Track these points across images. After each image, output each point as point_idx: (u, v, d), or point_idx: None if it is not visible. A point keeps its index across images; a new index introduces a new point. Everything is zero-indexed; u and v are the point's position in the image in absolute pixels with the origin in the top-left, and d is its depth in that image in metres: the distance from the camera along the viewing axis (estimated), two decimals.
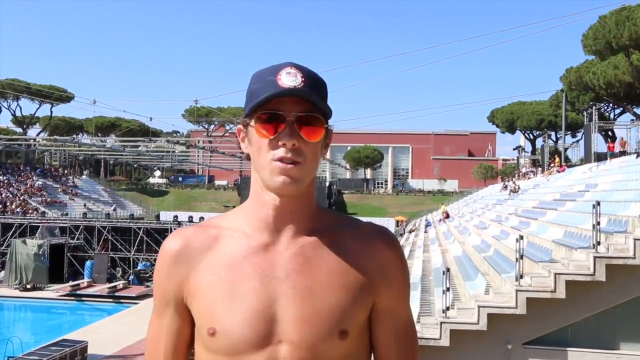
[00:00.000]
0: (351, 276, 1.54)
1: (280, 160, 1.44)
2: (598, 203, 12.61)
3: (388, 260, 1.60)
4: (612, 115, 56.06)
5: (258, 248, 1.54)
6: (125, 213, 62.18)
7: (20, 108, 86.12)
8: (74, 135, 78.68)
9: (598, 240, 12.21)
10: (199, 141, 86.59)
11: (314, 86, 1.47)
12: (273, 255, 1.53)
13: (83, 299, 34.98)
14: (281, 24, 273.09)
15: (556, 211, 20.49)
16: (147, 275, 37.87)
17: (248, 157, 1.55)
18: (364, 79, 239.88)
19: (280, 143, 1.44)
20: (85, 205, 61.95)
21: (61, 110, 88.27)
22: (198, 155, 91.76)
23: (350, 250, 1.57)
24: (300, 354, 1.46)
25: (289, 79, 1.43)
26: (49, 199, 59.08)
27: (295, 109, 1.45)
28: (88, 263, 39.44)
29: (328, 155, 75.22)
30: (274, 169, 1.45)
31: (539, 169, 49.48)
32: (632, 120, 46.18)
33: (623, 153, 33.95)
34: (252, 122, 1.49)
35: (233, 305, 1.48)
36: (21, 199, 55.87)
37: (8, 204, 53.57)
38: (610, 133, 52.11)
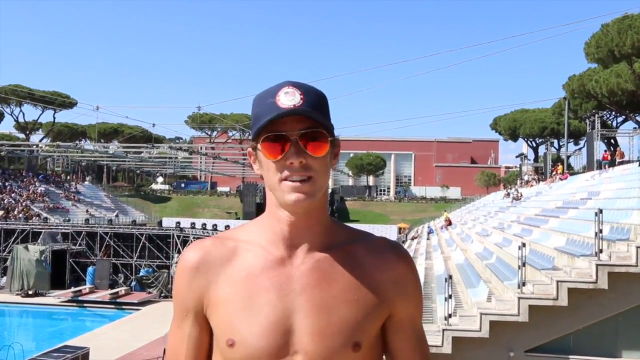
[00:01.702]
0: (365, 290, 1.58)
1: (290, 178, 1.48)
2: (600, 211, 12.61)
3: (403, 274, 1.64)
4: (614, 123, 56.07)
5: (275, 262, 1.58)
6: (127, 219, 62.21)
7: (23, 114, 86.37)
8: (77, 142, 78.63)
9: (600, 248, 12.21)
10: (201, 148, 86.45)
11: (314, 102, 1.50)
12: (289, 269, 1.57)
13: (85, 305, 35.05)
14: (284, 31, 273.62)
15: (558, 219, 20.48)
16: (149, 281, 37.89)
17: (262, 177, 1.59)
18: (367, 86, 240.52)
19: (288, 162, 1.48)
20: (87, 211, 62.00)
21: (64, 117, 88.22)
22: (201, 162, 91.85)
23: (364, 265, 1.62)
24: None
25: (287, 99, 1.46)
26: (51, 205, 59.15)
27: (298, 127, 1.48)
28: (90, 269, 39.53)
29: None
30: (285, 188, 1.49)
31: (542, 176, 49.49)
32: (635, 128, 46.19)
33: (621, 162, 34.05)
34: (259, 146, 1.52)
35: (251, 317, 1.53)
36: (23, 204, 55.95)
37: (10, 210, 53.66)
38: (612, 141, 52.11)
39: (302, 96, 1.48)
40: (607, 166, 34.41)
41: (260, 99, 1.53)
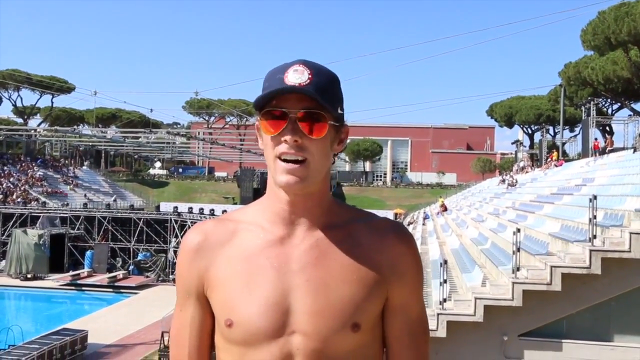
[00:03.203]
0: (364, 270, 1.56)
1: (284, 155, 1.48)
2: (595, 197, 12.68)
3: (401, 255, 1.61)
4: (610, 111, 56.03)
5: (274, 241, 1.57)
6: (125, 204, 62.28)
7: (21, 99, 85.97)
8: (75, 126, 78.41)
9: (594, 233, 12.25)
10: (199, 133, 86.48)
11: (322, 83, 1.48)
12: (289, 249, 1.56)
13: (83, 288, 35.18)
14: (281, 17, 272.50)
15: (553, 205, 20.60)
16: (147, 265, 38.04)
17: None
18: (364, 72, 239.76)
19: (282, 139, 1.47)
20: (85, 195, 61.95)
21: (62, 101, 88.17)
22: (198, 147, 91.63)
23: (364, 245, 1.59)
24: (313, 345, 1.50)
25: (295, 77, 1.46)
26: (49, 190, 59.07)
27: (299, 106, 1.46)
28: (88, 253, 39.63)
29: None
30: (278, 168, 1.49)
31: (537, 163, 49.60)
32: (630, 115, 46.34)
33: (612, 151, 34.22)
34: (260, 120, 1.52)
35: (249, 297, 1.52)
36: (22, 189, 55.88)
37: (9, 194, 53.68)
38: (608, 128, 52.20)
39: (310, 75, 1.46)
40: (597, 154, 34.59)
41: (270, 74, 1.52)
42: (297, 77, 1.46)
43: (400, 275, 1.61)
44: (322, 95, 1.46)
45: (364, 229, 1.63)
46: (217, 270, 1.58)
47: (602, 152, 34.70)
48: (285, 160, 1.48)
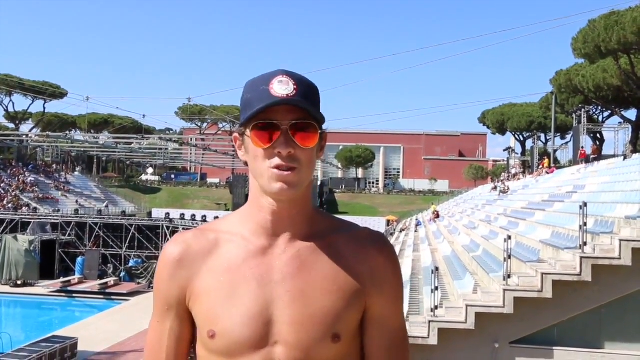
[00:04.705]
0: (345, 281, 1.57)
1: (277, 167, 1.47)
2: (585, 204, 12.74)
3: (380, 266, 1.62)
4: (600, 118, 56.30)
5: (256, 252, 1.57)
6: (117, 210, 62.04)
7: (13, 104, 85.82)
8: (67, 132, 78.47)
9: (585, 240, 12.30)
10: (191, 139, 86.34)
11: (306, 93, 1.49)
12: (270, 259, 1.56)
13: (74, 295, 34.90)
14: (274, 23, 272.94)
15: (544, 212, 20.64)
16: (139, 272, 37.81)
17: (246, 164, 1.59)
18: (356, 79, 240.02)
19: (276, 151, 1.47)
20: (77, 201, 61.69)
21: (54, 107, 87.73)
22: (191, 153, 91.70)
23: (345, 255, 1.60)
24: (295, 355, 1.50)
25: (281, 88, 1.45)
26: (41, 195, 58.82)
27: (289, 117, 1.47)
28: (79, 259, 39.34)
29: None
30: (271, 176, 1.48)
31: (529, 170, 49.75)
32: (620, 123, 46.61)
33: (595, 159, 34.35)
34: (248, 132, 1.52)
35: (232, 308, 1.52)
36: (13, 194, 55.60)
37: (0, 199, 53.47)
38: (599, 135, 52.43)
39: (295, 86, 1.46)
40: (583, 162, 34.74)
41: (252, 85, 1.52)
42: (283, 88, 1.46)
43: (380, 286, 1.62)
44: (309, 105, 1.48)
45: (345, 239, 1.63)
46: (200, 282, 1.58)
47: (588, 160, 34.82)
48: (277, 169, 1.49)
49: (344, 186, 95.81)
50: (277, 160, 1.47)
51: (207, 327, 1.54)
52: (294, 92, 1.46)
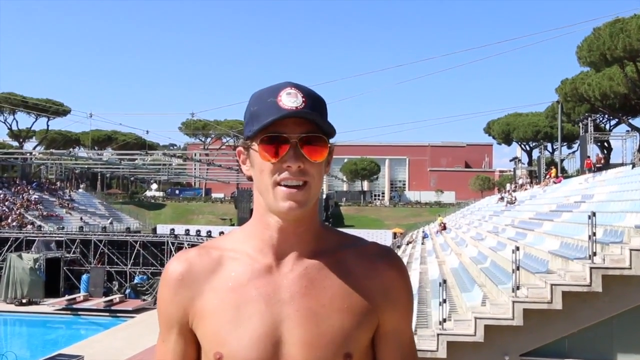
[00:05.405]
0: (355, 299, 1.53)
1: (285, 181, 1.43)
2: (594, 214, 12.64)
3: (392, 281, 1.59)
4: (607, 127, 56.25)
5: (262, 270, 1.53)
6: (121, 226, 61.99)
7: (17, 122, 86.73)
8: (71, 149, 78.77)
9: (594, 251, 12.21)
10: (195, 154, 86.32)
11: (315, 106, 1.46)
12: (277, 278, 1.52)
13: (79, 313, 34.94)
14: (278, 37, 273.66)
15: (552, 222, 20.52)
16: (144, 288, 37.79)
17: (250, 179, 1.53)
18: (361, 91, 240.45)
19: (285, 165, 1.43)
20: (81, 218, 61.76)
21: (58, 124, 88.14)
22: (195, 168, 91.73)
23: (354, 272, 1.56)
24: None
25: (289, 100, 1.42)
26: (45, 213, 58.95)
27: (298, 130, 1.43)
28: (84, 277, 39.42)
29: None
30: (278, 194, 1.44)
31: (536, 180, 49.59)
32: (628, 131, 46.43)
33: (600, 168, 34.23)
34: (254, 145, 1.47)
35: (239, 329, 1.48)
36: (17, 212, 55.74)
37: (4, 218, 53.48)
38: (606, 144, 52.27)
39: (304, 99, 1.43)
40: (589, 172, 34.62)
41: (259, 97, 1.48)
42: (292, 100, 1.43)
43: (393, 301, 1.59)
44: (319, 118, 1.45)
45: (354, 254, 1.60)
46: (203, 302, 1.53)
47: (594, 169, 34.69)
48: (285, 186, 1.44)
49: (348, 199, 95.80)
50: (285, 174, 1.44)
51: (213, 349, 1.50)
52: (303, 104, 1.43)
